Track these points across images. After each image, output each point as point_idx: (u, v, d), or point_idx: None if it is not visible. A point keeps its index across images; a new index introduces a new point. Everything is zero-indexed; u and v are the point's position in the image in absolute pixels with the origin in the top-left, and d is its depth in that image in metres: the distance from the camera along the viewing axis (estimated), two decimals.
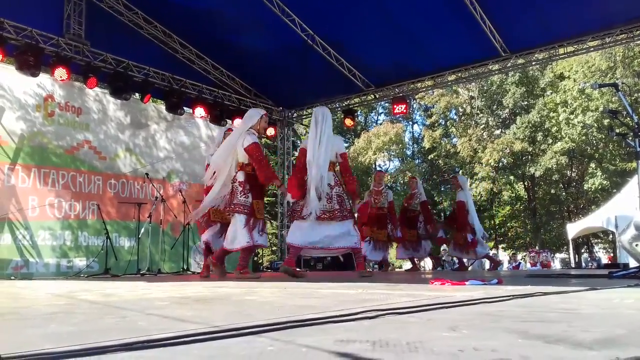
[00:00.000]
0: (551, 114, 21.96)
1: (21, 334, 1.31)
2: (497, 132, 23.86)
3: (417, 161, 27.26)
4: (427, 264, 15.13)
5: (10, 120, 7.79)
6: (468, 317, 1.54)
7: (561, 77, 22.14)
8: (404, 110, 10.64)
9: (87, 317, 1.73)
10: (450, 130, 25.68)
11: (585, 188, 22.14)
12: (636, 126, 4.12)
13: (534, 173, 21.90)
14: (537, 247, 20.79)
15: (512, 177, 23.84)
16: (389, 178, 26.93)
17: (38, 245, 7.79)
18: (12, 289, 4.01)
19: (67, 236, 8.18)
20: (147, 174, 8.87)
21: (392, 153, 26.97)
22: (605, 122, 19.39)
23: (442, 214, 27.02)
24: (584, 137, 20.82)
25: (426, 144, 25.57)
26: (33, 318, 1.74)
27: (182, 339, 1.09)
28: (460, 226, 8.08)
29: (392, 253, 9.74)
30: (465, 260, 8.65)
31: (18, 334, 1.34)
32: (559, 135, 21.57)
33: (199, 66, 10.25)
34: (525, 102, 23.19)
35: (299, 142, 25.94)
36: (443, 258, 13.50)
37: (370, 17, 8.44)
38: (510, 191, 24.73)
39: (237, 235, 4.93)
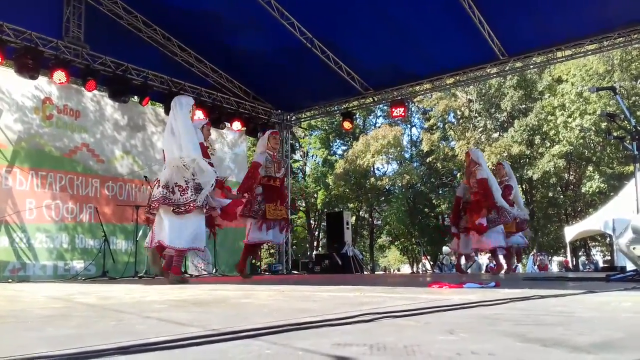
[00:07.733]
0: (549, 117, 21.98)
1: (18, 337, 1.31)
2: (495, 135, 23.86)
3: (415, 164, 27.22)
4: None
5: (8, 123, 7.77)
6: (465, 320, 1.54)
7: (559, 80, 22.17)
8: (403, 114, 10.63)
9: (84, 320, 1.72)
10: (449, 133, 25.66)
11: (582, 191, 22.15)
12: (634, 129, 4.13)
13: (531, 176, 21.90)
14: (534, 250, 20.78)
15: None
16: (387, 181, 26.91)
17: (35, 248, 7.76)
18: (9, 291, 4.00)
19: (64, 239, 8.15)
20: (145, 176, 8.86)
21: (391, 156, 26.94)
22: (603, 125, 19.40)
23: (441, 217, 27.01)
24: (581, 141, 20.84)
25: (424, 147, 25.55)
26: (30, 321, 1.74)
27: (179, 343, 1.09)
28: (488, 205, 6.63)
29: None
30: (463, 262, 7.98)
31: (14, 337, 1.33)
32: (557, 139, 21.59)
33: (197, 69, 10.25)
34: (523, 106, 23.20)
35: (297, 144, 25.94)
36: (442, 262, 13.48)
37: (369, 20, 8.45)
38: None
39: None
